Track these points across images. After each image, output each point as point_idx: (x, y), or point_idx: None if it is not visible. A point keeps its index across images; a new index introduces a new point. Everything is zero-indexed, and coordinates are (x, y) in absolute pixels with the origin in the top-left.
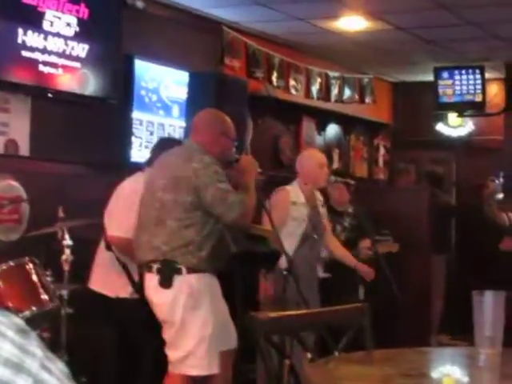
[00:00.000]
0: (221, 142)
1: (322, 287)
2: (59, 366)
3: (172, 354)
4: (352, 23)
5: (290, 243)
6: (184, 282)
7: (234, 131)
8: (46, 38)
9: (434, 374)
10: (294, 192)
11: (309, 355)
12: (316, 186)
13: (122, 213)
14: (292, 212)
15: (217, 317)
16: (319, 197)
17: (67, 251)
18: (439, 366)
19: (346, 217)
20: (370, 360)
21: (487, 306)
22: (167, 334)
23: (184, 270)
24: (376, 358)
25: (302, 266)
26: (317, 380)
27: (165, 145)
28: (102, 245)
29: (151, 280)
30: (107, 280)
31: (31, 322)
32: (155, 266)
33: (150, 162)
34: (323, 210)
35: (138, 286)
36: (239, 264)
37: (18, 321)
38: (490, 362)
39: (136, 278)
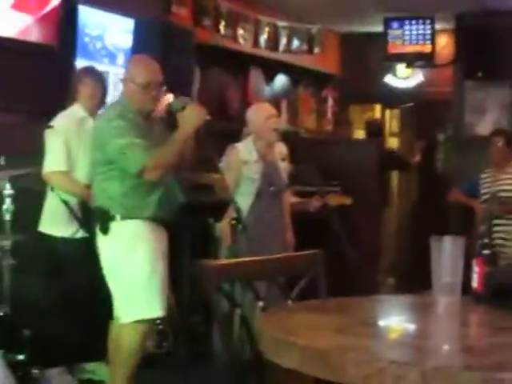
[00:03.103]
0: (126, 89)
1: None
2: None
3: (116, 301)
4: None
5: (244, 203)
6: (118, 227)
7: (145, 76)
8: None
9: (392, 322)
10: (245, 150)
11: (261, 304)
12: (266, 140)
13: (47, 149)
14: (244, 171)
15: (156, 265)
16: (282, 150)
17: (8, 201)
18: (396, 313)
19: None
20: (325, 308)
21: (446, 251)
22: (109, 283)
23: (118, 216)
24: (331, 307)
25: (259, 226)
26: (270, 329)
27: (81, 76)
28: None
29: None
30: (53, 220)
31: None
32: (94, 213)
33: (72, 99)
34: (284, 165)
35: (83, 224)
36: (187, 214)
37: None
38: (449, 310)
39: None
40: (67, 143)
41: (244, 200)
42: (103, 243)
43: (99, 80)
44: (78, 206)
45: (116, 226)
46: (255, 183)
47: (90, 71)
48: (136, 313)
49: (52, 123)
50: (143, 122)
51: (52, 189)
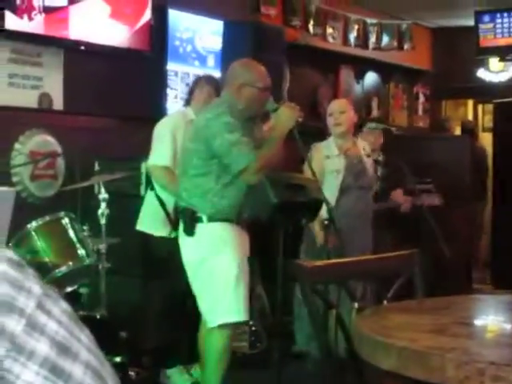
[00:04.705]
0: (244, 93)
1: None
2: (62, 307)
3: (202, 305)
4: None
5: (330, 197)
6: (204, 229)
7: (264, 80)
8: None
9: (490, 321)
10: (326, 146)
11: (356, 305)
12: (334, 134)
13: (155, 143)
14: (327, 166)
15: (241, 269)
16: (365, 147)
17: (103, 205)
18: (494, 313)
19: (376, 165)
20: (422, 309)
21: None
22: (194, 286)
23: (204, 218)
24: (428, 307)
25: (346, 218)
26: (366, 330)
27: (201, 82)
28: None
29: (180, 227)
30: (151, 220)
31: (69, 277)
32: (181, 214)
33: (186, 102)
34: (369, 161)
35: (175, 225)
36: (279, 214)
37: (11, 254)
38: None
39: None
40: (174, 140)
41: (330, 194)
42: (187, 245)
43: (216, 88)
44: (174, 208)
45: (202, 228)
46: (339, 177)
47: (207, 78)
48: (221, 317)
49: (163, 119)
50: (246, 123)
51: (151, 188)
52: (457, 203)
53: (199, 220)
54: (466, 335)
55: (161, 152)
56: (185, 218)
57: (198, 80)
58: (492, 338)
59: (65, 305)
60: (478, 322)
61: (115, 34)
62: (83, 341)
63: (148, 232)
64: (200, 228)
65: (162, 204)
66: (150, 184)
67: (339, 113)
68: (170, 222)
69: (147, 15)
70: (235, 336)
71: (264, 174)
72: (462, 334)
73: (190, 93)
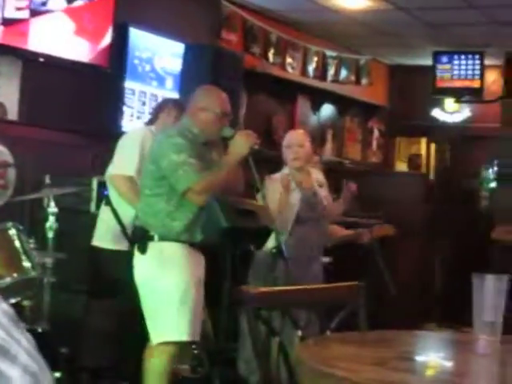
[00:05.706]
0: (201, 117)
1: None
2: (3, 308)
3: (147, 322)
4: (352, 1)
5: (283, 227)
6: (155, 248)
7: (223, 106)
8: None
9: (431, 358)
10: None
11: (300, 333)
12: (291, 167)
13: (121, 153)
14: None
15: (188, 289)
16: (318, 177)
17: (52, 219)
18: (436, 350)
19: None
20: (364, 341)
21: (488, 289)
22: (141, 301)
23: (156, 237)
24: (370, 340)
25: (300, 248)
26: (308, 359)
27: (168, 105)
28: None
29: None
30: (106, 234)
31: (12, 289)
32: (135, 231)
33: (149, 121)
34: (323, 191)
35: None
36: (228, 238)
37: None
38: (489, 349)
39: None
40: (142, 152)
41: (283, 226)
42: (138, 261)
43: (182, 112)
44: (131, 223)
45: (153, 246)
46: (294, 210)
47: (175, 102)
48: (163, 334)
49: (131, 131)
50: (201, 146)
51: (106, 203)
52: (407, 239)
53: (151, 238)
54: (407, 370)
55: (127, 162)
56: (138, 236)
57: (166, 102)
58: (432, 374)
59: (6, 306)
60: (419, 358)
61: (77, 49)
62: (23, 344)
63: (105, 247)
64: (151, 246)
65: (118, 218)
66: (104, 199)
67: (298, 146)
68: (127, 237)
69: (110, 33)
70: (178, 358)
71: (212, 197)
72: (403, 369)
73: (156, 113)
